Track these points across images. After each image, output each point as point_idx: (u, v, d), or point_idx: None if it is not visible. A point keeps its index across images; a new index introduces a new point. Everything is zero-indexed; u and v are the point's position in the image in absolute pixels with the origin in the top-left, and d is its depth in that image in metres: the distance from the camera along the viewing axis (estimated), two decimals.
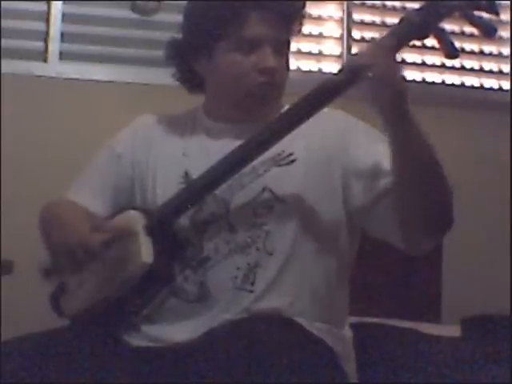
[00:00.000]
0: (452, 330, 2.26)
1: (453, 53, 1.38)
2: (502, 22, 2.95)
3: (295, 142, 1.48)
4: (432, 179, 1.40)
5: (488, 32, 1.37)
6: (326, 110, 1.44)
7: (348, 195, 1.51)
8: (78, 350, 1.36)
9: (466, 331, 2.25)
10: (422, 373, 1.93)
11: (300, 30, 1.59)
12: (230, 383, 1.23)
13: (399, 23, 1.39)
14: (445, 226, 1.47)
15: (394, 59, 1.35)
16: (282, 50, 1.53)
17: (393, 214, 1.45)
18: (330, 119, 1.52)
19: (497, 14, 1.36)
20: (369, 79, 1.33)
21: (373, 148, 1.50)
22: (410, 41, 1.38)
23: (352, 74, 1.36)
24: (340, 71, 1.39)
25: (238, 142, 1.46)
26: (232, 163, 1.44)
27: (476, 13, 1.37)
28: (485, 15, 1.37)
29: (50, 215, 1.55)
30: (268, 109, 1.55)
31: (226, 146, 1.49)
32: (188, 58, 1.57)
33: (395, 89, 1.34)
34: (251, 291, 1.44)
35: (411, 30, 1.37)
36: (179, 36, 1.59)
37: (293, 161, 1.52)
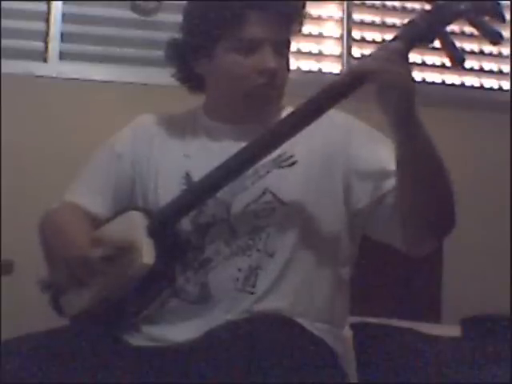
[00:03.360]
0: (452, 330, 2.26)
1: (458, 59, 1.37)
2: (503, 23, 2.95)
3: (296, 143, 1.47)
4: (437, 181, 1.40)
5: (494, 38, 1.36)
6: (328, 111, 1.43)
7: (349, 197, 1.51)
8: (78, 350, 1.35)
9: (466, 331, 2.25)
10: (422, 373, 1.93)
11: (300, 30, 1.59)
12: (230, 383, 1.23)
13: (405, 26, 1.39)
14: (447, 227, 1.48)
15: (402, 63, 1.34)
16: (282, 50, 1.53)
17: (394, 215, 1.45)
18: (331, 120, 1.52)
19: (503, 19, 1.35)
20: (375, 84, 1.33)
21: (374, 149, 1.49)
22: (415, 45, 1.38)
23: (357, 79, 1.36)
24: (345, 74, 1.39)
25: (238, 143, 1.46)
26: (234, 166, 1.44)
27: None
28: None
29: (50, 227, 1.55)
30: (268, 110, 1.55)
31: (227, 147, 1.49)
32: (188, 58, 1.57)
33: (402, 94, 1.33)
34: (252, 293, 1.44)
35: (417, 34, 1.37)
36: (179, 36, 1.58)
37: (294, 163, 1.52)
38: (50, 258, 1.50)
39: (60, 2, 2.82)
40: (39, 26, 2.81)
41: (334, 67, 3.02)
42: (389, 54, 1.34)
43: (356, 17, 3.06)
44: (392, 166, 1.45)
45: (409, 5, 3.08)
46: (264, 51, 1.49)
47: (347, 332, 1.56)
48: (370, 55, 1.38)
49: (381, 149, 1.49)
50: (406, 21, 1.40)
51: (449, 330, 2.27)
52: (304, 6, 1.58)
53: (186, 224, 1.48)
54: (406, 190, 1.41)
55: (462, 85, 3.13)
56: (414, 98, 1.35)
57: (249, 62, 1.49)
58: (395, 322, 2.22)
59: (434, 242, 1.50)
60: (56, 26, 2.81)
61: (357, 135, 1.54)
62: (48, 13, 2.81)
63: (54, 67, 2.79)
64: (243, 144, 1.45)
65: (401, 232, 1.45)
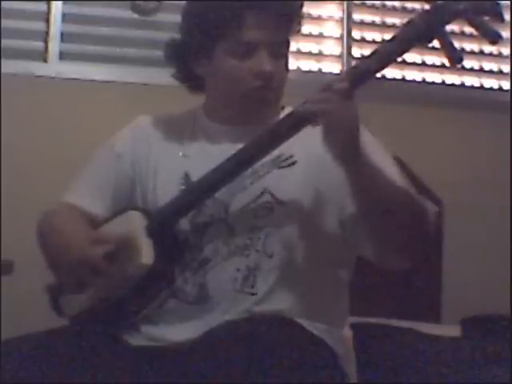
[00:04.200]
0: (452, 330, 2.26)
1: (457, 58, 1.37)
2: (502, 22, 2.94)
3: (295, 144, 1.47)
4: (393, 211, 1.38)
5: (492, 37, 1.36)
6: None
7: (342, 199, 1.50)
8: (78, 350, 1.35)
9: (466, 331, 2.25)
10: (422, 373, 1.94)
11: (299, 30, 1.58)
12: (229, 383, 1.23)
13: (404, 26, 1.39)
14: (415, 249, 1.46)
15: (346, 104, 1.32)
16: (280, 52, 1.52)
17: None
18: None
19: (502, 19, 1.35)
20: (321, 124, 1.33)
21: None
22: (414, 45, 1.38)
23: (299, 121, 1.37)
24: (287, 116, 1.39)
25: (237, 145, 1.46)
26: (233, 166, 1.44)
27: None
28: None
29: (48, 230, 1.54)
30: (266, 111, 1.55)
31: (226, 148, 1.49)
32: (187, 59, 1.57)
33: (344, 135, 1.32)
34: (251, 294, 1.44)
35: (416, 34, 1.37)
36: (178, 36, 1.58)
37: (293, 163, 1.51)
38: (52, 261, 1.49)
39: (60, 1, 2.82)
40: (39, 25, 2.81)
41: (334, 67, 3.02)
42: (330, 96, 1.32)
43: (356, 17, 3.06)
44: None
45: (409, 5, 3.08)
46: (260, 54, 1.48)
47: (347, 332, 1.56)
48: (312, 96, 1.36)
49: (372, 159, 1.49)
50: (405, 21, 1.40)
51: (449, 330, 2.27)
52: (302, 6, 1.57)
53: (184, 224, 1.48)
54: (363, 218, 1.42)
55: (462, 85, 3.13)
56: (356, 136, 1.33)
57: (245, 64, 1.49)
58: (395, 322, 2.22)
59: (405, 261, 1.47)
60: (56, 26, 2.81)
61: None
62: (48, 13, 2.81)
63: (54, 67, 2.79)
64: (241, 145, 1.45)
65: (371, 250, 1.45)
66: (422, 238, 1.45)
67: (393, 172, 1.47)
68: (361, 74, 1.37)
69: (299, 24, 1.56)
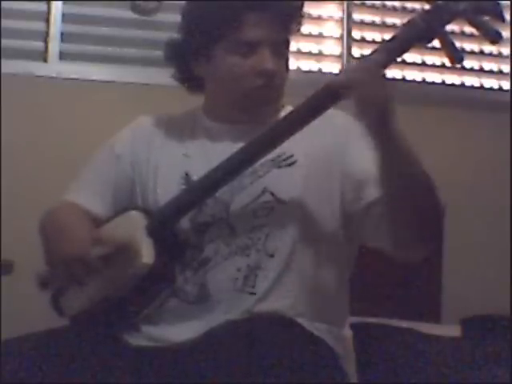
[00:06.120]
0: (452, 330, 2.26)
1: (458, 58, 1.37)
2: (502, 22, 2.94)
3: (295, 143, 1.47)
4: (419, 192, 1.39)
5: (493, 37, 1.36)
6: (328, 111, 1.43)
7: (343, 200, 1.50)
8: (78, 350, 1.35)
9: (466, 331, 2.25)
10: (422, 373, 1.93)
11: (299, 30, 1.58)
12: (229, 383, 1.23)
13: (404, 26, 1.39)
14: (433, 237, 1.48)
15: (380, 77, 1.34)
16: (281, 51, 1.53)
17: (383, 222, 1.44)
18: (331, 120, 1.52)
19: (502, 19, 1.35)
20: (353, 97, 1.33)
21: (368, 155, 1.49)
22: (414, 45, 1.38)
23: (333, 93, 1.37)
24: (321, 88, 1.39)
25: (237, 144, 1.46)
26: (233, 166, 1.44)
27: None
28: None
29: (51, 224, 1.54)
30: (267, 110, 1.55)
31: (226, 147, 1.49)
32: (187, 59, 1.57)
33: (379, 108, 1.33)
34: (252, 293, 1.44)
35: (416, 33, 1.37)
36: (178, 36, 1.58)
37: (293, 162, 1.51)
38: (50, 255, 1.49)
39: (60, 1, 2.82)
40: (39, 25, 2.81)
41: (334, 67, 3.02)
42: (367, 67, 1.34)
43: (356, 17, 3.07)
44: None
45: (409, 5, 3.08)
46: (262, 53, 1.49)
47: (347, 332, 1.56)
48: (344, 69, 1.38)
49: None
50: (406, 21, 1.40)
51: (449, 330, 2.27)
52: (302, 6, 1.57)
53: (184, 223, 1.48)
54: (390, 200, 1.41)
55: (462, 85, 3.13)
56: (388, 110, 1.33)
57: (247, 63, 1.49)
58: (395, 322, 2.22)
59: (422, 250, 1.48)
60: (56, 26, 2.81)
61: (354, 138, 1.53)
62: (48, 13, 2.81)
63: (54, 67, 2.79)
64: (242, 144, 1.46)
65: (390, 239, 1.44)
66: (438, 228, 1.47)
67: None
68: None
69: (299, 23, 1.57)
